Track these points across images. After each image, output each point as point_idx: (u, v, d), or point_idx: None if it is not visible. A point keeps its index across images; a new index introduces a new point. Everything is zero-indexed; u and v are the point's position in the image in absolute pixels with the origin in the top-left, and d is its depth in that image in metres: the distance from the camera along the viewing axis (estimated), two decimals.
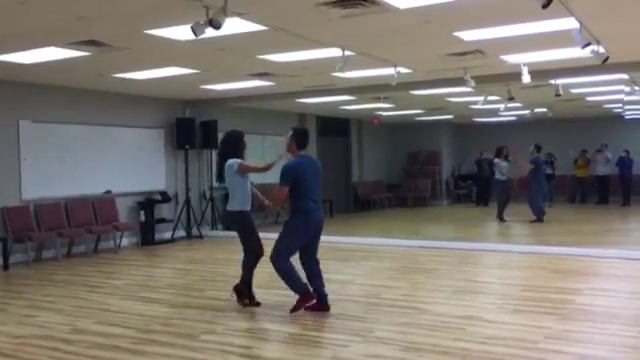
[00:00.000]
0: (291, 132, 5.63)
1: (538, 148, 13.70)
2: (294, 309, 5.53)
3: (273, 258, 5.52)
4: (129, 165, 11.09)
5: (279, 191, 5.50)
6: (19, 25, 5.81)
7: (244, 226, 5.89)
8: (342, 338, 4.81)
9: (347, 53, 7.23)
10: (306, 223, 5.53)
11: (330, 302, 6.08)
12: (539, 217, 13.10)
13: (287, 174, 5.42)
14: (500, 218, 13.51)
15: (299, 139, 5.59)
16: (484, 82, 9.45)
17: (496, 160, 13.81)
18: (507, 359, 4.22)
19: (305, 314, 5.51)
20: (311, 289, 5.57)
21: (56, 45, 6.74)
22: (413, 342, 4.64)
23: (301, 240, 5.56)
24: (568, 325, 5.11)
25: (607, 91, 12.15)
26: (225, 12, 4.90)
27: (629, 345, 4.57)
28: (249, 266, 5.92)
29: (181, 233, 11.83)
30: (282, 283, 7.01)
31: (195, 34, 5.21)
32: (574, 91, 11.82)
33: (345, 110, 15.07)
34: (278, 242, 5.56)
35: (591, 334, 4.89)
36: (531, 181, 13.29)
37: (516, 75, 8.42)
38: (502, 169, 13.65)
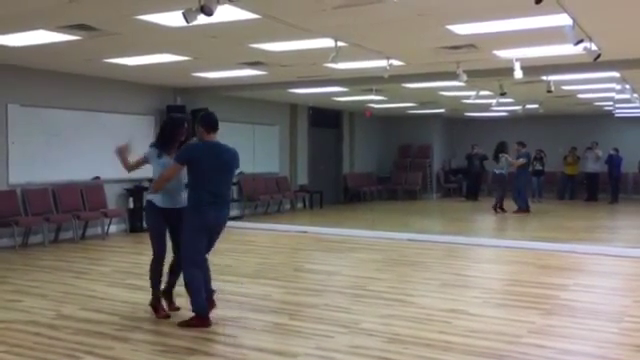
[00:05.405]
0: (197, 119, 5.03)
1: (522, 144, 14.27)
2: (184, 324, 4.91)
3: (182, 266, 5.03)
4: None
5: (171, 168, 4.92)
6: (8, 6, 5.73)
7: (147, 218, 5.31)
8: (327, 329, 4.82)
9: (340, 44, 7.19)
10: (199, 219, 4.85)
11: (316, 293, 6.11)
12: (525, 208, 13.83)
13: (182, 153, 4.93)
14: (502, 209, 14.03)
15: (203, 122, 4.95)
16: (476, 76, 9.45)
17: (500, 155, 14.26)
18: (490, 353, 4.24)
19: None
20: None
21: (46, 28, 6.66)
22: (398, 334, 4.67)
23: (201, 238, 4.93)
24: (552, 320, 5.15)
25: (598, 89, 12.19)
26: None
27: (611, 341, 4.61)
28: (153, 269, 5.20)
29: None
30: (268, 273, 7.06)
31: (187, 20, 5.17)
32: (566, 88, 11.84)
33: (337, 101, 15.04)
34: (181, 247, 5.04)
35: (574, 329, 4.92)
36: (520, 174, 14.01)
37: (508, 70, 8.43)
38: (503, 163, 14.24)
